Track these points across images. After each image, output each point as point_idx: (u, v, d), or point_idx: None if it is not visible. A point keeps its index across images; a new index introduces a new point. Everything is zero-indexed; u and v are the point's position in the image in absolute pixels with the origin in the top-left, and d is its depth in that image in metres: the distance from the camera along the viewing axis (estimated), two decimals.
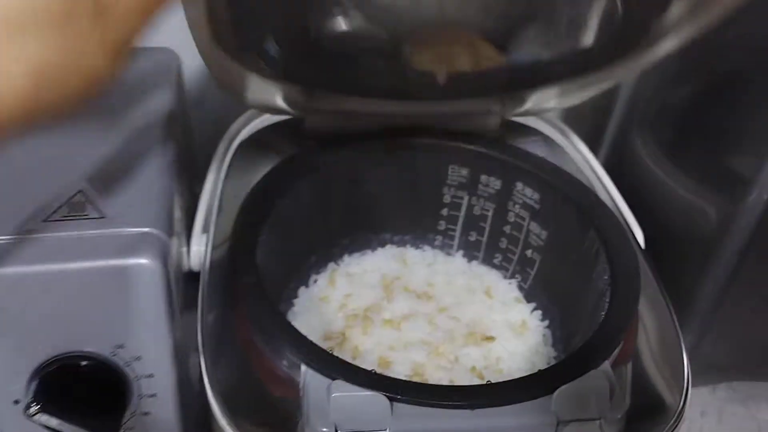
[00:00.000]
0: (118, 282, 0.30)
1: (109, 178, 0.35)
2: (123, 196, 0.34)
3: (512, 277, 0.54)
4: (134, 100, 0.41)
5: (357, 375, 0.34)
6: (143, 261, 0.30)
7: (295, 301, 0.51)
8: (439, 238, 0.56)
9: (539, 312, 0.51)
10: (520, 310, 0.52)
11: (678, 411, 0.36)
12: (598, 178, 0.52)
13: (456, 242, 0.56)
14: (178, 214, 0.38)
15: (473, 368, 0.47)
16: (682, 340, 0.40)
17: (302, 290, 0.51)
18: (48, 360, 0.31)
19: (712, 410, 0.56)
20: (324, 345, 0.47)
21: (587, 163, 0.55)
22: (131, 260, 0.30)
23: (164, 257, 0.31)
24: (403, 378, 0.46)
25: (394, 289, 0.52)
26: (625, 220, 0.48)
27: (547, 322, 0.51)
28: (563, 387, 0.34)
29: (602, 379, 0.35)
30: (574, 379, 0.34)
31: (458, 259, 0.55)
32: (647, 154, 0.55)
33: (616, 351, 0.37)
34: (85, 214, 0.32)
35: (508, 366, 0.47)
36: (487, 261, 0.55)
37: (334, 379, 0.34)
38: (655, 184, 0.54)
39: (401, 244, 0.56)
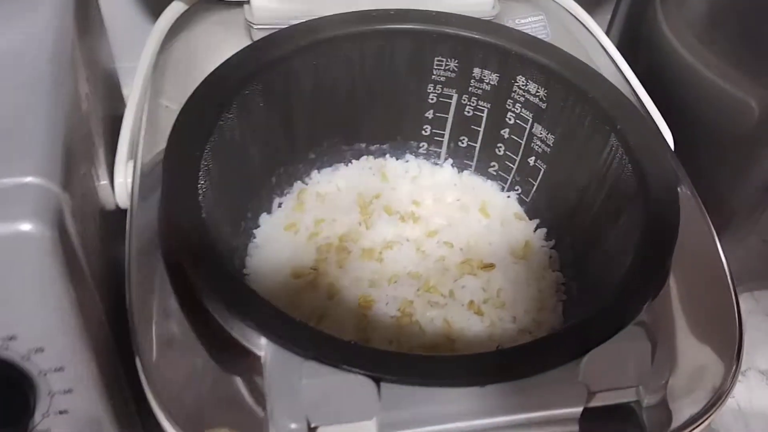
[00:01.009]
0: None
1: None
2: None
3: (511, 189, 0.46)
4: None
5: (333, 350, 0.26)
6: (24, 227, 0.21)
7: (257, 231, 0.42)
8: (424, 145, 0.47)
9: (544, 230, 0.44)
10: (522, 228, 0.44)
11: (732, 374, 0.29)
12: (616, 65, 0.43)
13: (444, 150, 0.47)
14: (82, 145, 0.28)
15: (471, 303, 0.40)
16: (729, 273, 0.33)
17: (264, 218, 0.43)
18: None
19: None
20: (293, 284, 0.40)
21: (601, 47, 0.45)
22: (5, 227, 0.21)
23: (55, 217, 0.22)
24: (390, 317, 0.39)
25: (373, 212, 0.44)
26: (652, 120, 0.39)
27: (552, 242, 0.43)
28: (594, 350, 0.27)
29: (641, 336, 0.27)
30: (606, 339, 0.27)
31: (447, 170, 0.47)
32: (672, 32, 0.46)
33: (654, 299, 0.29)
34: None
35: (512, 297, 0.40)
36: (482, 171, 0.47)
37: (305, 358, 0.26)
38: (681, 69, 0.45)
39: (379, 154, 0.47)
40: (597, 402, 0.28)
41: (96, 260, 0.28)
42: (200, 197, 0.33)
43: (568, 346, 0.27)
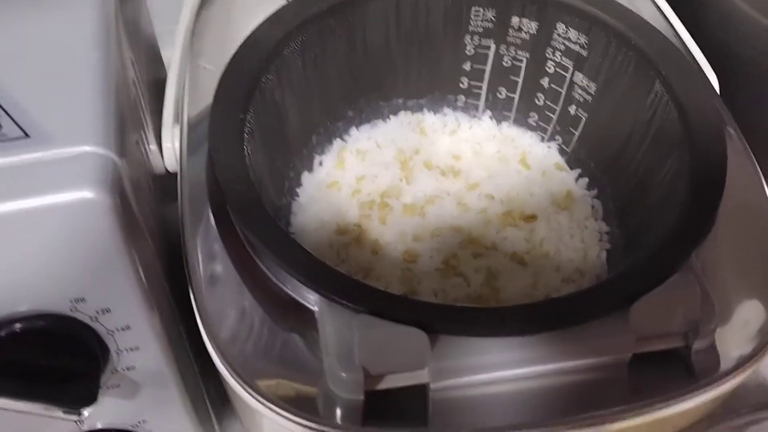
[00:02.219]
0: (58, 224, 0.23)
1: (26, 77, 0.26)
2: (49, 102, 0.25)
3: (551, 139, 0.45)
4: None
5: (385, 304, 0.27)
6: (87, 194, 0.22)
7: (299, 190, 0.43)
8: (462, 98, 0.47)
9: (585, 180, 0.43)
10: (563, 179, 0.44)
11: None
12: (658, 8, 0.42)
13: (482, 102, 0.47)
14: (132, 113, 0.29)
15: (513, 254, 0.40)
16: None
17: (306, 176, 0.44)
18: None
19: None
20: (338, 240, 0.41)
21: None
22: (70, 194, 0.22)
23: (115, 183, 0.23)
24: (434, 270, 0.39)
25: (413, 167, 0.44)
26: (697, 64, 0.38)
27: (595, 191, 0.43)
28: (643, 297, 0.27)
29: (690, 282, 0.27)
30: (655, 287, 0.27)
31: (486, 122, 0.47)
32: None
33: (703, 245, 0.29)
34: None
35: (555, 247, 0.40)
36: (521, 122, 0.46)
37: (357, 312, 0.27)
38: (726, 8, 0.43)
39: (417, 109, 0.47)
40: (646, 347, 0.28)
41: (152, 223, 0.29)
42: (246, 158, 0.34)
43: (616, 294, 0.27)
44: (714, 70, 0.40)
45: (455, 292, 0.38)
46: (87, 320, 0.25)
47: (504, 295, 0.38)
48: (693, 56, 0.38)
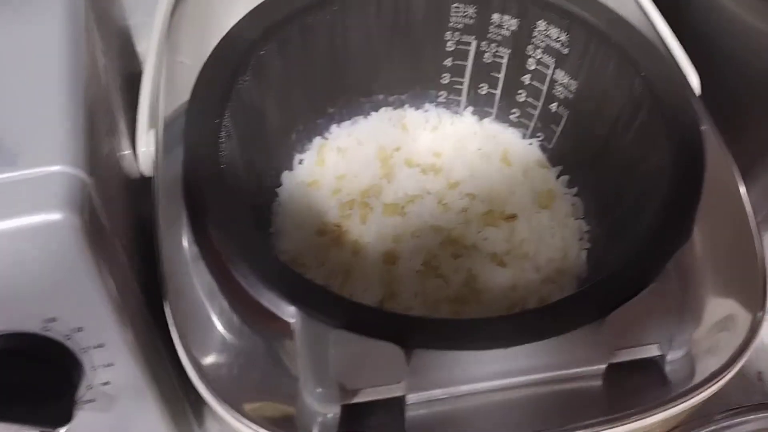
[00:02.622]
0: (27, 246, 0.22)
1: None
2: (16, 118, 0.24)
3: (533, 135, 0.45)
4: None
5: (361, 319, 0.27)
6: (54, 216, 0.22)
7: (279, 190, 0.43)
8: (444, 93, 0.46)
9: (566, 177, 0.43)
10: (544, 176, 0.44)
11: (756, 325, 0.29)
12: (639, 3, 0.41)
13: (464, 97, 0.46)
14: (103, 121, 0.29)
15: (494, 255, 0.40)
16: (752, 216, 0.33)
17: (286, 175, 0.43)
18: None
19: None
20: (318, 241, 0.41)
21: None
22: (38, 217, 0.22)
23: (84, 203, 0.23)
24: (415, 271, 0.39)
25: (394, 165, 0.44)
26: (676, 63, 0.38)
27: (575, 189, 0.43)
28: (618, 309, 0.27)
29: (664, 293, 0.28)
30: (629, 298, 0.27)
31: (467, 118, 0.46)
32: None
33: (680, 251, 0.29)
34: None
35: (535, 247, 0.40)
36: (502, 118, 0.46)
37: (334, 326, 0.27)
38: (705, 1, 0.43)
39: (398, 105, 0.47)
40: (621, 357, 0.28)
41: (125, 233, 0.29)
42: (222, 164, 0.33)
43: (591, 306, 0.27)
44: (696, 68, 0.40)
45: (435, 294, 0.38)
46: (60, 339, 0.25)
47: (484, 297, 0.38)
48: (673, 54, 0.38)
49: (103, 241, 0.24)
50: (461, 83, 0.46)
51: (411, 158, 0.44)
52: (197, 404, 0.40)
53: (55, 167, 0.23)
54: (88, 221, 0.23)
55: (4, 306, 0.24)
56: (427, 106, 0.47)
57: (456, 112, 0.47)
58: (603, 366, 0.28)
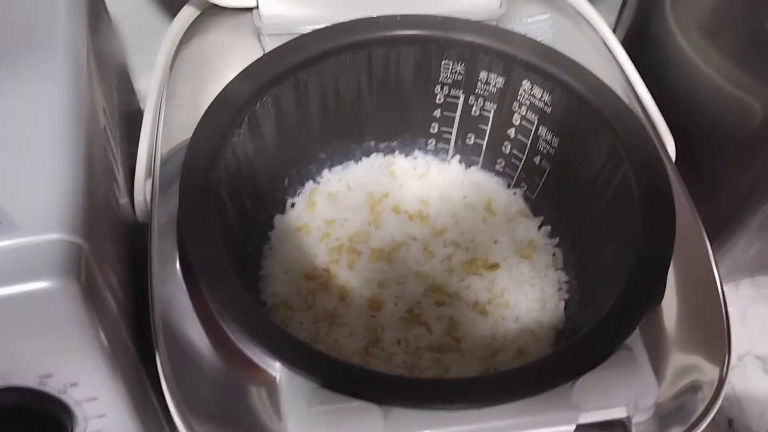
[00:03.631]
0: (25, 310, 0.24)
1: None
2: (14, 186, 0.26)
3: (517, 185, 0.47)
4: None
5: (342, 377, 0.28)
6: (51, 284, 0.23)
7: (271, 233, 0.44)
8: (432, 141, 0.48)
9: (548, 228, 0.45)
10: (526, 226, 0.45)
11: (717, 386, 0.31)
12: (621, 67, 0.43)
13: (451, 146, 0.48)
14: (101, 172, 0.30)
15: (476, 303, 0.42)
16: (722, 292, 0.34)
17: (278, 219, 0.45)
18: None
19: (736, 310, 0.52)
20: (306, 286, 0.42)
21: (606, 47, 0.45)
22: (35, 284, 0.23)
23: (79, 270, 0.24)
24: (399, 318, 0.41)
25: (382, 211, 0.45)
26: (654, 128, 0.40)
27: (556, 240, 0.44)
28: (585, 376, 0.29)
29: (630, 361, 0.29)
30: (596, 365, 0.29)
31: (455, 166, 0.48)
32: (678, 28, 0.45)
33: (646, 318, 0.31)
34: None
35: (515, 297, 0.42)
36: (488, 167, 0.48)
37: (315, 382, 0.28)
38: (686, 68, 0.45)
39: (389, 151, 0.48)
40: (588, 419, 0.30)
41: (120, 284, 0.30)
42: (214, 216, 0.35)
43: (560, 371, 0.29)
44: (671, 125, 0.41)
45: (418, 341, 0.40)
46: (56, 393, 0.26)
47: (464, 345, 0.40)
48: (652, 119, 0.40)
49: (97, 302, 0.26)
50: (450, 133, 0.47)
51: (398, 205, 0.46)
52: None
53: (54, 235, 0.24)
54: (84, 285, 0.24)
55: (3, 363, 0.25)
56: (416, 152, 0.48)
57: (444, 160, 0.48)
58: (571, 427, 0.29)
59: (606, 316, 0.31)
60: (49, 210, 0.25)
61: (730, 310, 0.35)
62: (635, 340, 0.30)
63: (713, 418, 0.32)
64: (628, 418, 0.30)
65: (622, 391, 0.29)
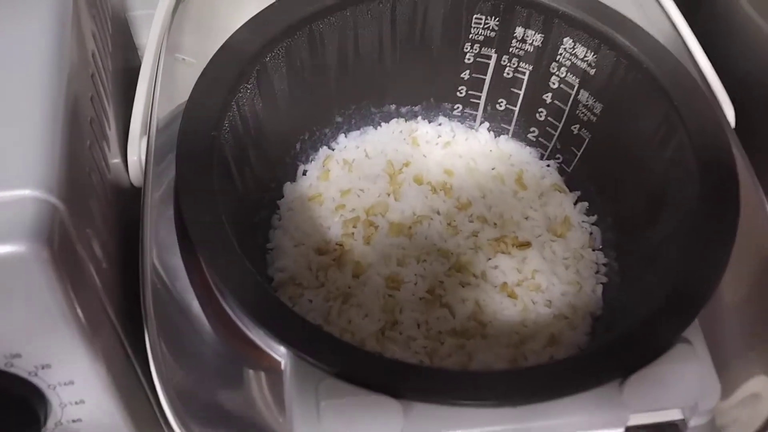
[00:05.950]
0: None
1: None
2: None
3: (551, 157, 0.42)
4: None
5: (357, 366, 0.25)
6: (19, 247, 0.20)
7: (280, 203, 0.40)
8: (459, 107, 0.44)
9: (585, 204, 0.41)
10: (561, 201, 0.41)
11: None
12: (675, 26, 0.38)
13: (480, 112, 0.44)
14: (85, 123, 0.26)
15: (504, 285, 0.38)
16: None
17: (288, 187, 0.41)
18: None
19: None
20: (318, 261, 0.38)
21: (658, 3, 0.40)
22: (1, 247, 0.20)
23: (54, 234, 0.20)
24: (419, 298, 0.37)
25: (402, 181, 0.41)
26: (712, 93, 0.35)
27: (594, 218, 0.40)
28: (638, 372, 0.25)
29: (688, 356, 0.25)
30: (650, 361, 0.25)
31: (483, 135, 0.44)
32: None
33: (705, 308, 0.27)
34: None
35: (548, 279, 0.38)
36: (520, 136, 0.43)
37: (325, 370, 0.24)
38: (745, 27, 0.40)
39: (411, 116, 0.44)
40: (638, 420, 0.26)
41: (105, 254, 0.27)
42: (217, 182, 0.31)
43: (609, 366, 0.25)
44: (730, 93, 0.37)
45: (439, 325, 0.36)
46: (25, 375, 0.23)
47: (490, 331, 0.36)
48: (710, 85, 0.35)
49: (74, 272, 0.22)
50: (478, 97, 0.43)
51: (420, 175, 0.42)
52: None
53: (23, 191, 0.21)
54: (58, 252, 0.21)
55: None
56: (440, 119, 0.44)
57: (471, 127, 0.44)
58: (620, 430, 0.25)
59: (662, 304, 0.27)
60: (18, 162, 0.21)
61: None
62: (695, 332, 0.26)
63: None
64: (684, 422, 0.26)
65: (680, 391, 0.25)
